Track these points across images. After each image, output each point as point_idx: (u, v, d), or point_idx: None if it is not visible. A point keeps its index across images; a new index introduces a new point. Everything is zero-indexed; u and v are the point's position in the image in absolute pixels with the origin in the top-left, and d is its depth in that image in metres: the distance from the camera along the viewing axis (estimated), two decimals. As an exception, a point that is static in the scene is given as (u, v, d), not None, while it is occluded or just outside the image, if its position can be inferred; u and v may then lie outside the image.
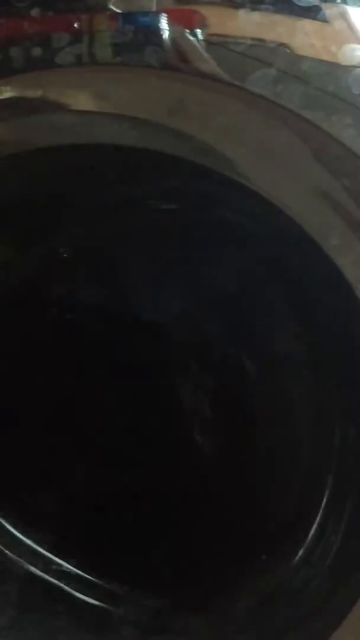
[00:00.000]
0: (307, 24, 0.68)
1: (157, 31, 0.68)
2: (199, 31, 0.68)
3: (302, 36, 0.67)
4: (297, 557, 0.83)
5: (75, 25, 0.69)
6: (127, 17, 0.69)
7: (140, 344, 0.90)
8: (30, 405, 0.92)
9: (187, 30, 0.68)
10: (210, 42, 0.68)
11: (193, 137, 0.69)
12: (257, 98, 0.67)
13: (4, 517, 0.94)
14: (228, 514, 0.87)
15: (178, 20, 0.69)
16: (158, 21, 0.68)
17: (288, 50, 0.67)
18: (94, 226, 0.88)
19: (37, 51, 0.69)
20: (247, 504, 0.87)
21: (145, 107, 0.69)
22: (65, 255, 0.89)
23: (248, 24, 0.68)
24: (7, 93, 0.72)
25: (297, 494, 0.86)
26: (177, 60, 0.69)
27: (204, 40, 0.68)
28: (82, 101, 0.71)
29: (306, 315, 0.84)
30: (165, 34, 0.68)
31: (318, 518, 0.82)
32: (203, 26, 0.69)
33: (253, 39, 0.67)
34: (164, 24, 0.68)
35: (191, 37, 0.68)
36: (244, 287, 0.86)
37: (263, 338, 0.87)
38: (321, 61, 0.67)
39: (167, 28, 0.68)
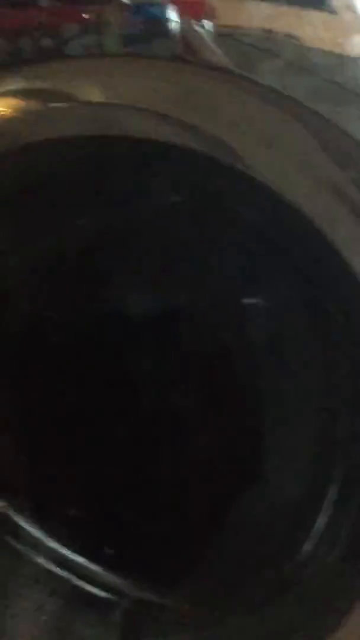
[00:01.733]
0: (314, 15, 0.67)
1: (165, 22, 0.68)
2: (207, 22, 0.68)
3: (309, 27, 0.67)
4: (304, 551, 0.82)
5: (85, 16, 0.70)
6: (137, 8, 0.69)
7: (147, 337, 0.90)
8: (40, 400, 0.92)
9: (195, 22, 0.68)
10: (219, 34, 0.68)
11: (201, 128, 0.69)
12: (264, 90, 0.67)
13: (17, 512, 0.95)
14: (234, 506, 0.88)
15: (187, 11, 0.68)
16: (167, 12, 0.68)
17: (296, 42, 0.67)
18: (101, 219, 0.88)
19: (46, 42, 0.70)
20: (253, 499, 0.87)
21: (153, 99, 0.69)
22: (74, 248, 0.89)
23: (256, 15, 0.68)
24: (17, 84, 0.72)
25: (304, 486, 0.85)
26: (185, 52, 0.69)
27: (213, 31, 0.68)
28: (91, 92, 0.71)
29: (314, 307, 0.83)
30: (174, 25, 0.68)
31: (325, 511, 0.82)
32: (212, 17, 0.69)
33: (261, 30, 0.67)
34: (172, 15, 0.68)
35: (199, 29, 0.68)
36: (252, 279, 0.86)
37: (270, 330, 0.87)
38: (329, 53, 0.67)
39: (176, 19, 0.68)
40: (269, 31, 0.67)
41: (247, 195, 0.75)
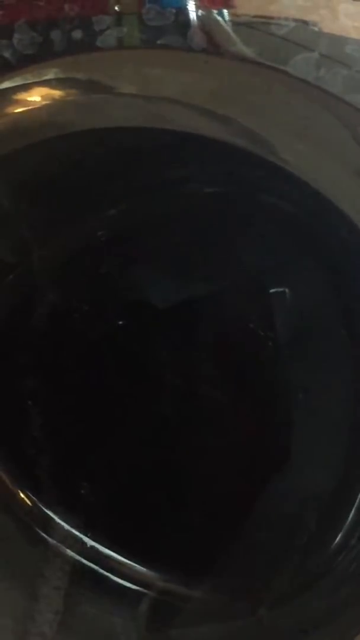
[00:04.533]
0: (350, 6, 0.67)
1: (186, 12, 0.68)
2: (225, 11, 0.67)
3: (345, 18, 0.67)
4: (334, 544, 0.82)
5: (116, 8, 0.69)
6: (168, 0, 0.69)
7: (175, 325, 0.89)
8: (66, 389, 0.92)
9: (214, 11, 0.67)
10: (251, 24, 0.67)
11: (235, 120, 0.68)
12: (299, 82, 0.66)
13: (45, 504, 0.95)
14: (264, 497, 0.87)
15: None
16: (186, 3, 0.68)
17: (330, 34, 0.67)
18: (134, 210, 0.88)
19: (77, 34, 0.69)
20: (284, 490, 0.87)
21: (186, 91, 0.69)
22: (103, 238, 0.89)
23: (290, 6, 0.67)
24: (50, 75, 0.71)
25: (336, 478, 0.85)
26: (203, 41, 0.68)
27: (231, 21, 0.67)
28: (123, 84, 0.70)
29: (347, 300, 0.83)
30: (192, 14, 0.68)
31: (357, 503, 0.82)
32: (230, 6, 0.68)
33: (295, 21, 0.67)
34: (191, 5, 0.68)
35: (219, 18, 0.67)
36: (280, 268, 0.86)
37: (298, 319, 0.87)
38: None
39: (194, 9, 0.68)
40: (304, 22, 0.67)
41: (280, 186, 0.75)
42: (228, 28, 0.67)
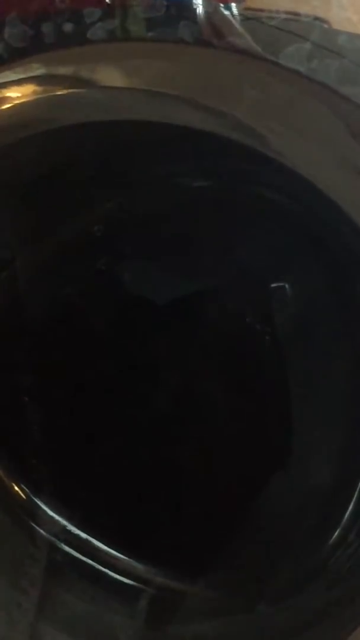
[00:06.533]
0: (343, -2, 0.66)
1: (190, 5, 0.67)
2: (233, 5, 0.67)
3: (337, 10, 0.66)
4: (333, 540, 0.82)
5: (107, 0, 0.69)
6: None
7: (174, 320, 0.89)
8: (64, 384, 0.92)
9: (222, 4, 0.67)
10: (246, 17, 0.67)
11: (225, 113, 0.68)
12: (291, 73, 0.66)
13: (41, 498, 0.94)
14: (263, 494, 0.87)
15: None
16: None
17: (323, 25, 0.66)
18: (130, 205, 0.88)
19: (68, 27, 0.69)
20: (283, 486, 0.87)
21: (176, 83, 0.68)
22: (99, 234, 0.89)
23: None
24: (39, 70, 0.71)
25: (335, 474, 0.85)
26: (211, 35, 0.67)
27: (239, 14, 0.67)
28: (114, 77, 0.70)
29: (343, 293, 0.83)
30: (199, 8, 0.67)
31: (355, 499, 0.82)
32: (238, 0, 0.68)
33: (288, 12, 0.66)
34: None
35: (225, 11, 0.67)
36: (278, 265, 0.86)
37: (298, 313, 0.87)
38: (357, 35, 0.66)
39: (201, 2, 0.67)
40: (296, 14, 0.66)
41: (275, 180, 0.74)
42: (235, 21, 0.66)
